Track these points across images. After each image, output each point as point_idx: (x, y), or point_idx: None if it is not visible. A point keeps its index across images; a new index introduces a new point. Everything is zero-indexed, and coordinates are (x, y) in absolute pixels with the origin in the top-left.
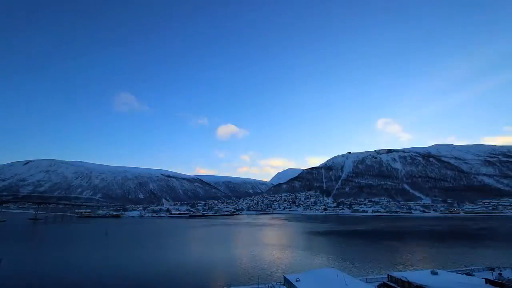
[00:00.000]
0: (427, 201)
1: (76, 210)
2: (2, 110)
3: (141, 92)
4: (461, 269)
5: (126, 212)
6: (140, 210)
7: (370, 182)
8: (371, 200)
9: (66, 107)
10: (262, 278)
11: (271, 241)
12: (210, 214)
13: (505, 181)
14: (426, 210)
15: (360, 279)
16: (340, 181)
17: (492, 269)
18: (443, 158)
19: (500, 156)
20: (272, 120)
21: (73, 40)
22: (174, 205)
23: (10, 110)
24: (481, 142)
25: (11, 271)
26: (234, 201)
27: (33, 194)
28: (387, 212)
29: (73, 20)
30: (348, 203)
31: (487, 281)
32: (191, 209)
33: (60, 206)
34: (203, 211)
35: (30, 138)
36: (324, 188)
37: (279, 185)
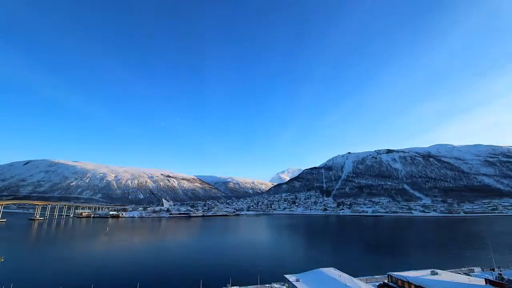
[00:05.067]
0: (427, 201)
1: (76, 211)
2: (2, 110)
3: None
4: (461, 269)
5: (125, 213)
6: (140, 210)
7: (370, 182)
8: (371, 200)
9: (67, 107)
10: (262, 278)
11: (270, 242)
12: (210, 214)
13: (505, 181)
14: (426, 210)
15: (360, 279)
16: (340, 181)
17: (492, 269)
18: (443, 158)
19: (500, 156)
20: (271, 120)
21: (74, 37)
22: (174, 205)
23: (10, 110)
24: (481, 142)
25: (11, 270)
26: (234, 201)
27: (33, 194)
28: (387, 212)
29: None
30: (348, 203)
31: (487, 281)
32: (191, 209)
33: (60, 206)
34: (203, 212)
35: (30, 138)
36: (324, 188)
37: (279, 185)
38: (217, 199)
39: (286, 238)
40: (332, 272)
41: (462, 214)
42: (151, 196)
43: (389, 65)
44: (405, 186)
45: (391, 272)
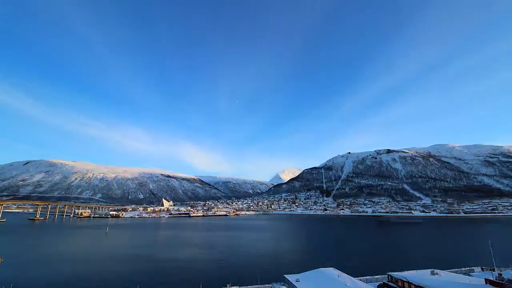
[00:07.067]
0: (427, 201)
1: (76, 211)
2: (2, 110)
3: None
4: (461, 269)
5: (125, 212)
6: (140, 210)
7: (370, 182)
8: (371, 200)
9: (68, 107)
10: (262, 278)
11: (270, 242)
12: (210, 214)
13: (505, 181)
14: (426, 210)
15: (360, 279)
16: (340, 181)
17: (492, 269)
18: (443, 158)
19: (500, 156)
20: (271, 120)
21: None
22: (174, 205)
23: (10, 110)
24: (481, 142)
25: (11, 271)
26: (234, 201)
27: (33, 194)
28: (387, 212)
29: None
30: (348, 203)
31: (487, 281)
32: (191, 209)
33: (60, 206)
34: (203, 212)
35: (30, 138)
36: (324, 188)
37: (279, 185)
38: (217, 199)
39: (286, 238)
40: (332, 272)
41: (462, 214)
42: (151, 196)
43: (391, 66)
44: (405, 186)
45: (391, 272)
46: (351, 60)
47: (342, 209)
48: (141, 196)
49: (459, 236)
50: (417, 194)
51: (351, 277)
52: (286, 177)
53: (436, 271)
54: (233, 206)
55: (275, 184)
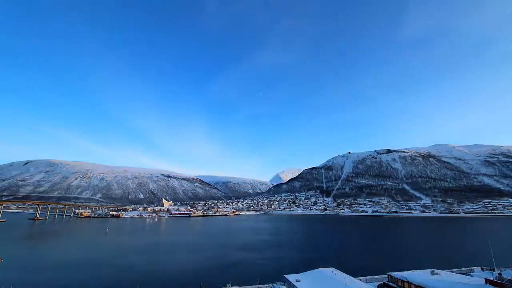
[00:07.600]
0: (427, 201)
1: (76, 210)
2: (2, 110)
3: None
4: (461, 269)
5: (125, 212)
6: (140, 210)
7: (370, 182)
8: (371, 200)
9: (67, 107)
10: (262, 278)
11: (270, 242)
12: (210, 214)
13: (505, 181)
14: (426, 210)
15: (360, 279)
16: (340, 181)
17: (492, 269)
18: (443, 158)
19: (500, 156)
20: (271, 120)
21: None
22: (174, 205)
23: (10, 110)
24: (481, 142)
25: (11, 271)
26: (234, 201)
27: (33, 194)
28: (387, 212)
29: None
30: (348, 203)
31: (487, 281)
32: (191, 209)
33: (60, 206)
34: (203, 212)
35: (30, 138)
36: (324, 188)
37: (279, 185)
38: (217, 199)
39: (286, 238)
40: (332, 272)
41: (462, 214)
42: (151, 196)
43: (390, 61)
44: (405, 186)
45: (391, 272)
46: (345, 62)
47: (342, 209)
48: (141, 196)
49: (459, 236)
50: (417, 194)
51: (351, 277)
52: (286, 177)
53: (436, 271)
54: (233, 206)
55: (275, 184)
